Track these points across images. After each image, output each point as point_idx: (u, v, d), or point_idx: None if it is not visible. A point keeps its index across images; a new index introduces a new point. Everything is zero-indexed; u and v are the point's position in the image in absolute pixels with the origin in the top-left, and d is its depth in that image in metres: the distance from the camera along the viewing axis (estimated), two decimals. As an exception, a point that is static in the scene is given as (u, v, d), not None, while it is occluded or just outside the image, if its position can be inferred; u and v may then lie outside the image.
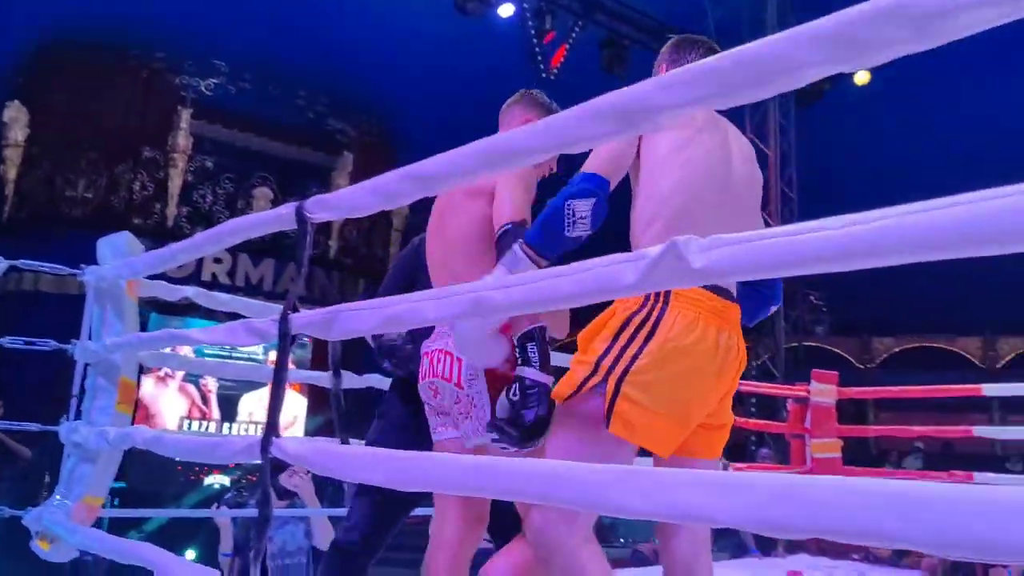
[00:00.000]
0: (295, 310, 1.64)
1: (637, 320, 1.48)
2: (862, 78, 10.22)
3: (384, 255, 11.16)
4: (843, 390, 5.48)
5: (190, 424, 9.23)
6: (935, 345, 17.53)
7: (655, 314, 1.48)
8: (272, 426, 1.63)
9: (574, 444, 1.48)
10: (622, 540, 10.90)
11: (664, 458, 1.56)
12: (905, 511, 0.72)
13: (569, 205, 1.51)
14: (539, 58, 8.50)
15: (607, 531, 11.41)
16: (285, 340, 1.65)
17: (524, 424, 1.50)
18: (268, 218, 1.73)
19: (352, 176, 10.14)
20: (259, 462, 1.59)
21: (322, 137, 10.61)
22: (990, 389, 5.06)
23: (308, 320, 1.59)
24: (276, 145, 10.14)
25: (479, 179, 1.34)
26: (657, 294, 1.48)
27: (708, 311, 1.51)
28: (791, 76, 0.86)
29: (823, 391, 5.44)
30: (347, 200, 1.54)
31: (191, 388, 9.26)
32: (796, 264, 0.87)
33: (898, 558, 5.15)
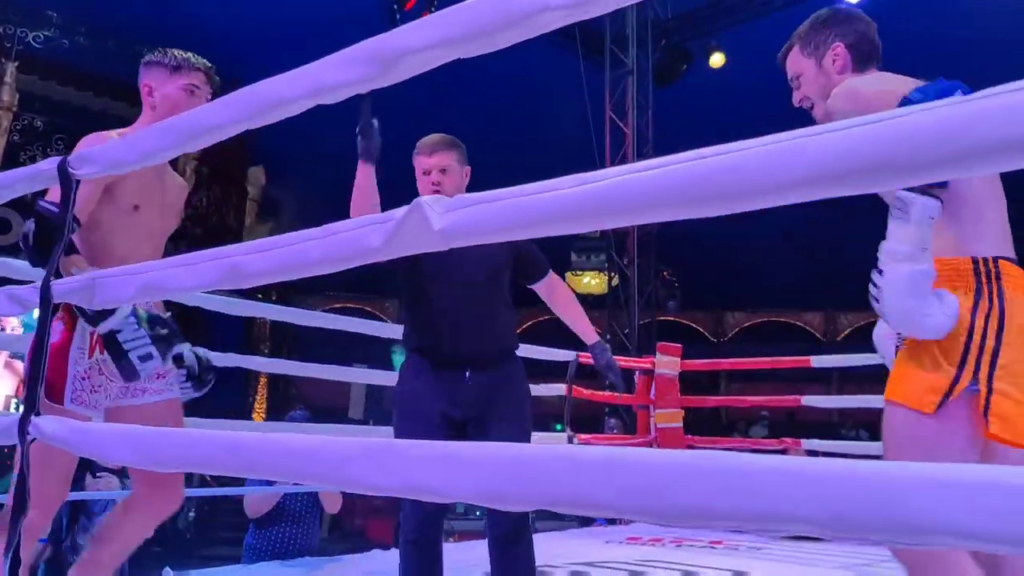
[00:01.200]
0: (58, 276, 1.49)
1: (981, 312, 1.35)
2: (717, 61, 10.56)
3: (238, 226, 10.70)
4: (686, 362, 5.68)
5: (17, 404, 8.57)
6: (782, 320, 18.63)
7: (996, 301, 1.35)
8: (31, 403, 1.48)
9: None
10: (478, 513, 11.07)
11: None
12: (615, 479, 0.69)
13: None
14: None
15: (468, 506, 11.54)
16: (47, 308, 1.50)
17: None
18: (28, 174, 1.56)
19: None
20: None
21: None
22: (818, 361, 5.35)
23: (69, 287, 1.44)
24: (119, 105, 9.46)
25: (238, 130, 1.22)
26: (988, 276, 1.37)
27: None
28: (533, 22, 0.81)
29: (667, 363, 5.62)
30: (110, 155, 1.40)
31: (18, 365, 8.60)
32: (532, 224, 0.83)
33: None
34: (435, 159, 2.30)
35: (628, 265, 9.77)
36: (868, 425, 12.62)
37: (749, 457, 0.60)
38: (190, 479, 6.70)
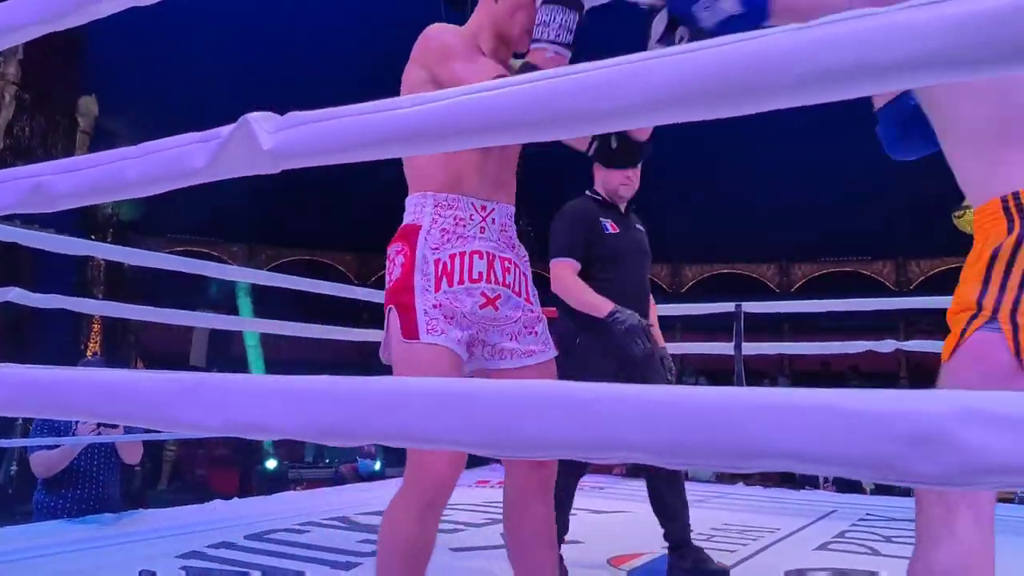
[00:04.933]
0: None
1: (1008, 248, 1.17)
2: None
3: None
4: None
5: None
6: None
7: None
8: None
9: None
10: (327, 461, 10.97)
11: None
12: (446, 411, 0.66)
13: None
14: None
15: (316, 455, 11.41)
16: None
17: None
18: None
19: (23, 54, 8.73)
20: None
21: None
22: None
23: None
24: None
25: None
26: (1018, 208, 1.17)
27: None
28: None
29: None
30: None
31: None
32: (371, 145, 0.78)
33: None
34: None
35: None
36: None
37: (583, 385, 0.59)
38: (10, 429, 6.21)
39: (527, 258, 1.81)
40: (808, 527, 3.43)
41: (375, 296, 3.92)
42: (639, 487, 3.77)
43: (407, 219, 1.73)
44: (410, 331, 1.64)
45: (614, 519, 3.55)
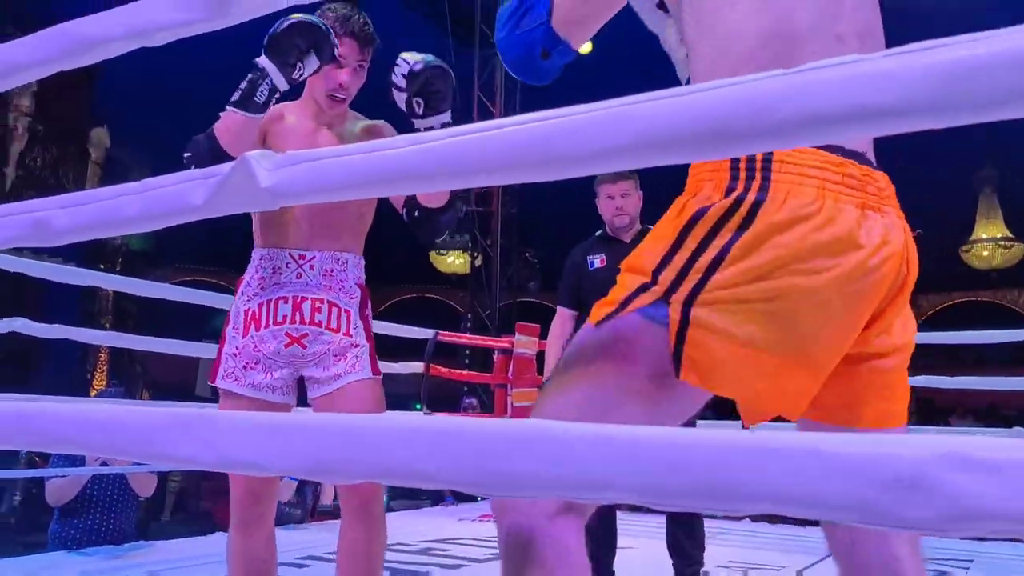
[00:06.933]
0: None
1: (718, 211, 0.91)
2: (585, 47, 10.74)
3: (78, 189, 9.96)
4: (543, 342, 5.78)
5: None
6: None
7: (751, 196, 0.90)
8: None
9: (608, 395, 0.89)
10: (332, 492, 10.90)
11: (792, 420, 0.97)
12: (437, 448, 0.67)
13: None
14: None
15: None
16: None
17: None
18: None
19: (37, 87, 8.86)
20: None
21: None
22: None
23: None
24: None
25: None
26: (751, 163, 0.91)
27: (836, 182, 0.92)
28: None
29: (525, 343, 5.69)
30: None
31: None
32: (368, 184, 0.79)
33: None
34: (619, 186, 2.78)
35: (491, 246, 9.82)
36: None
37: (568, 425, 0.59)
38: (14, 460, 6.20)
39: (357, 295, 1.98)
40: (816, 564, 3.39)
41: (387, 329, 3.92)
42: (639, 521, 3.74)
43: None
44: (212, 374, 1.91)
45: (620, 555, 3.52)
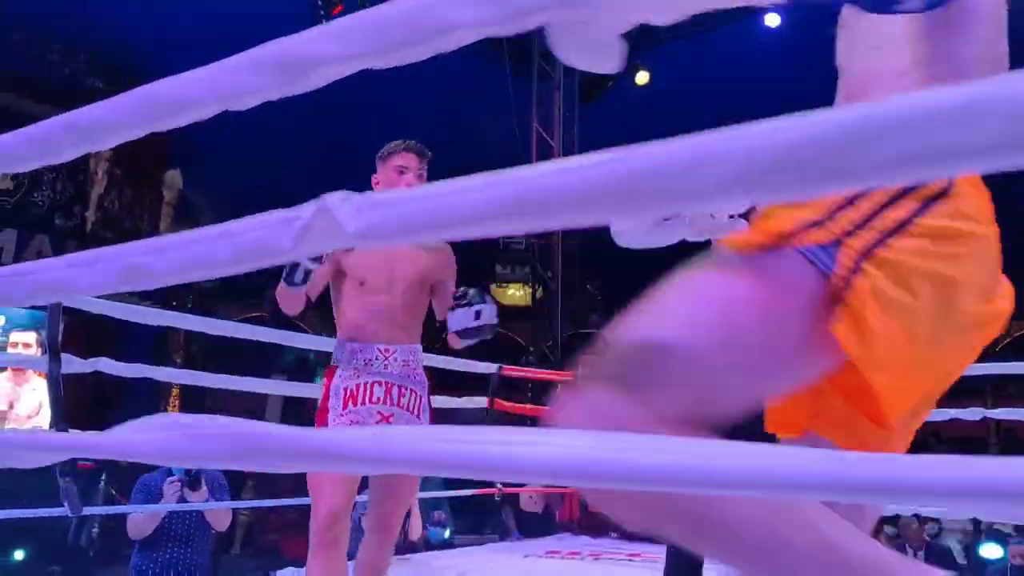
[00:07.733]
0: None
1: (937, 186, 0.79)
2: (642, 78, 10.76)
3: (152, 230, 10.34)
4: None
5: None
6: None
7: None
8: None
9: (738, 324, 0.74)
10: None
11: (887, 425, 0.79)
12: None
13: None
14: (320, 1, 8.10)
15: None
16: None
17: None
18: None
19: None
20: None
21: (79, 95, 9.59)
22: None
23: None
24: (23, 103, 9.04)
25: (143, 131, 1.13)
26: None
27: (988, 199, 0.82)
28: (447, 37, 0.78)
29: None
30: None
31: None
32: (450, 225, 0.79)
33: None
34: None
35: (552, 278, 9.82)
36: None
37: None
38: (94, 493, 6.39)
39: (426, 383, 2.43)
40: None
41: (450, 363, 3.93)
42: (637, 549, 3.66)
43: (332, 361, 2.38)
44: None
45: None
